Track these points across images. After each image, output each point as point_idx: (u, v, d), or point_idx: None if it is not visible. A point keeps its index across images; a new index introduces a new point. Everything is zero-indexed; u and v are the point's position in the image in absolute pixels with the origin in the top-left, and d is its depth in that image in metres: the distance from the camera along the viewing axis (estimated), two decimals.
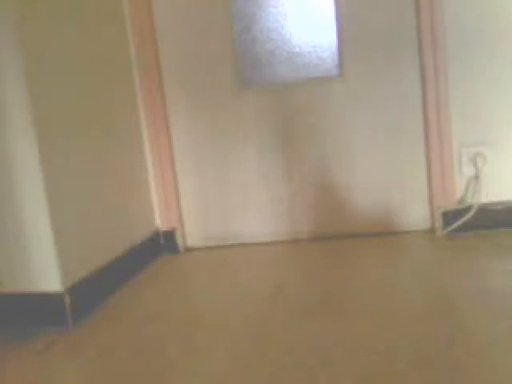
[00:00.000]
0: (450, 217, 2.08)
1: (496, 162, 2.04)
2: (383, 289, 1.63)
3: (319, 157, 2.18)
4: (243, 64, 2.16)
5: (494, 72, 2.00)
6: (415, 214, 2.16)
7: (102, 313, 1.70)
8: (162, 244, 2.28)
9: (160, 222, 2.28)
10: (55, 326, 1.60)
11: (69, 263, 1.64)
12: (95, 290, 1.76)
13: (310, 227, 2.22)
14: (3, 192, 1.59)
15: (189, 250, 2.29)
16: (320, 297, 1.63)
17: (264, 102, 2.18)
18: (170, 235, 2.27)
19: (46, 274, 1.61)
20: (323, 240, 2.19)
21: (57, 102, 1.66)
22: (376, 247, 2.05)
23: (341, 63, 2.12)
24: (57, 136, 1.64)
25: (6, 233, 1.61)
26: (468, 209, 2.05)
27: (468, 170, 2.07)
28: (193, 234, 2.30)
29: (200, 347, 1.40)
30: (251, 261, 2.07)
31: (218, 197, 2.26)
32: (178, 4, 2.16)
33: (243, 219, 2.26)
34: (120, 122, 2.05)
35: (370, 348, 1.28)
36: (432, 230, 2.13)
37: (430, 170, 2.11)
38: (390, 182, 2.15)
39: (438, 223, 2.10)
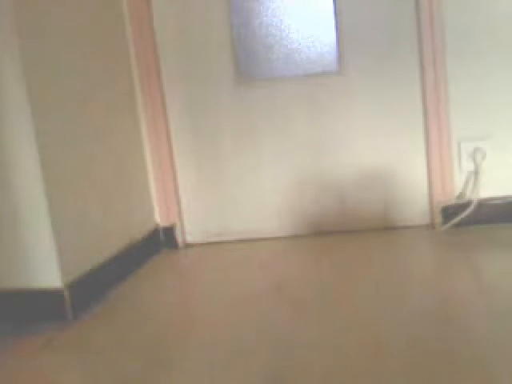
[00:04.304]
0: (449, 212, 2.08)
1: (495, 157, 2.04)
2: (382, 285, 1.63)
3: (319, 152, 2.17)
4: (242, 59, 2.16)
5: (493, 67, 2.00)
6: (415, 209, 2.16)
7: (102, 309, 1.70)
8: (162, 240, 2.28)
9: (159, 218, 2.28)
10: (55, 322, 1.60)
11: (68, 259, 1.64)
12: (95, 286, 1.76)
13: (310, 223, 2.22)
14: (2, 191, 1.59)
15: (188, 245, 2.29)
16: (319, 294, 1.63)
17: (263, 97, 2.17)
18: (169, 231, 2.27)
19: (46, 270, 1.61)
20: (323, 236, 2.19)
21: (56, 102, 1.65)
22: (375, 243, 2.04)
23: (340, 58, 2.11)
24: (56, 134, 1.64)
25: (5, 229, 1.61)
26: (467, 204, 2.05)
27: (467, 166, 2.06)
28: (192, 230, 2.30)
29: (199, 344, 1.40)
30: (251, 257, 2.07)
31: (217, 192, 2.26)
32: None
33: (243, 215, 2.25)
34: (119, 119, 2.05)
35: (370, 346, 1.28)
36: (432, 226, 2.13)
37: (429, 166, 2.11)
38: (390, 178, 2.15)
39: (438, 218, 2.10)
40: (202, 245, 2.28)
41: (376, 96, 2.11)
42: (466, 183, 2.08)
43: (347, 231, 2.18)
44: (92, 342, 1.47)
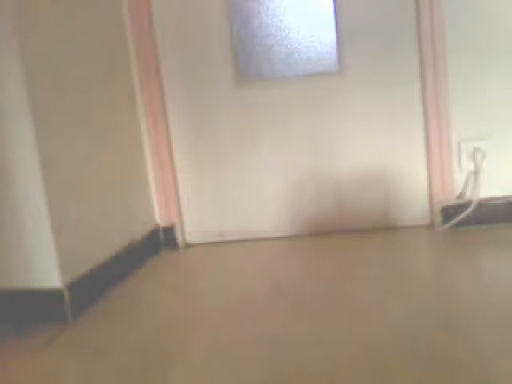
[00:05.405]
0: (449, 212, 2.08)
1: (495, 156, 2.04)
2: (382, 285, 1.63)
3: (318, 152, 2.17)
4: (242, 60, 2.16)
5: (493, 67, 2.00)
6: (415, 209, 2.16)
7: (102, 309, 1.70)
8: (162, 240, 2.28)
9: (159, 218, 2.28)
10: (55, 322, 1.60)
11: (68, 259, 1.64)
12: (95, 286, 1.76)
13: (310, 223, 2.22)
14: (2, 191, 1.59)
15: (188, 245, 2.29)
16: (318, 294, 1.63)
17: (263, 97, 2.17)
18: (169, 231, 2.27)
19: (46, 271, 1.61)
20: (323, 236, 2.19)
21: (56, 102, 1.65)
22: (375, 243, 2.04)
23: (340, 58, 2.11)
24: (56, 134, 1.64)
25: (6, 229, 1.61)
26: (467, 204, 2.05)
27: (467, 165, 2.07)
28: (192, 230, 2.30)
29: (199, 344, 1.40)
30: (250, 257, 2.07)
31: (217, 193, 2.26)
32: None
33: (243, 215, 2.26)
34: (119, 119, 2.05)
35: (369, 346, 1.28)
36: (432, 226, 2.13)
37: (429, 166, 2.11)
38: (390, 178, 2.15)
39: (438, 218, 2.10)
40: (201, 245, 2.28)
41: (376, 96, 2.11)
42: (466, 183, 2.08)
43: (347, 231, 2.18)
44: (92, 342, 1.47)
